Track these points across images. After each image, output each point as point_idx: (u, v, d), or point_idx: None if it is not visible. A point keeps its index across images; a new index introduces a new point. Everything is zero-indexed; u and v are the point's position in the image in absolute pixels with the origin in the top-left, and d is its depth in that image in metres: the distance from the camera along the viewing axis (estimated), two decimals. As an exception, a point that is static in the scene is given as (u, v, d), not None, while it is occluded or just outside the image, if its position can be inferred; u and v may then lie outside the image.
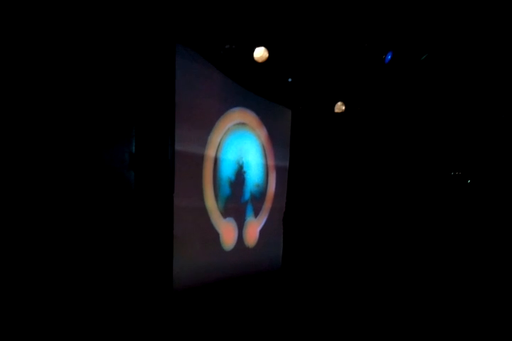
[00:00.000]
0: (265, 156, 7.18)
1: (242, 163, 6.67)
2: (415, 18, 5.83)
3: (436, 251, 7.31)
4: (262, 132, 7.07)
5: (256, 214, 7.02)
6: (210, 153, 5.96)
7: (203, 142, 5.84)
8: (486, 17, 5.54)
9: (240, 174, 6.63)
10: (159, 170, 5.01)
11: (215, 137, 6.05)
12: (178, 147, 5.26)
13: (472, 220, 7.11)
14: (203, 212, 5.90)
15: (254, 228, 6.99)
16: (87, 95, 4.21)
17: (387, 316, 5.94)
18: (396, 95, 6.83)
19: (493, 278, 6.66)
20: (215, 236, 6.13)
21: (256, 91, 6.64)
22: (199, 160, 5.76)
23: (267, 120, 7.11)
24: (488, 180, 6.94)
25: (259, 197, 7.09)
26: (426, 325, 5.65)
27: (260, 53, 5.96)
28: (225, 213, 6.30)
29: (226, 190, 6.34)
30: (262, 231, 7.12)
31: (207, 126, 5.91)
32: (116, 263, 4.54)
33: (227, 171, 6.34)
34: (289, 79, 6.65)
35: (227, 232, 6.37)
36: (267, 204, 7.26)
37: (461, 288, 6.72)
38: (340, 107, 6.98)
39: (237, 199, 6.61)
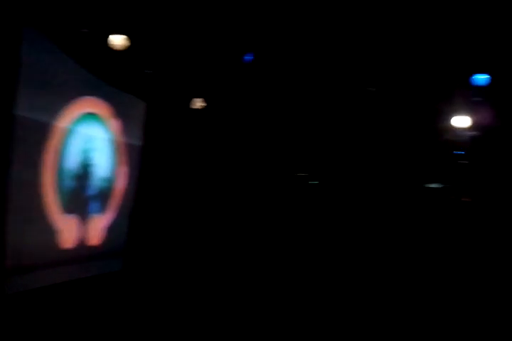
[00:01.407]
0: (116, 149, 6.82)
1: (90, 155, 6.24)
2: (276, 19, 6.03)
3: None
4: (114, 124, 6.69)
5: (102, 210, 6.60)
6: (54, 143, 5.45)
7: (47, 131, 5.33)
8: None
9: (85, 167, 6.20)
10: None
11: (61, 126, 5.55)
12: (19, 134, 4.71)
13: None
14: (40, 206, 5.37)
15: (99, 225, 6.57)
16: None
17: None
18: (254, 95, 6.98)
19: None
20: (53, 233, 5.62)
21: (110, 80, 6.28)
22: (40, 149, 5.24)
23: (121, 111, 6.73)
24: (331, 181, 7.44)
25: (106, 193, 6.69)
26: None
27: (120, 41, 5.70)
28: (67, 208, 5.80)
29: (69, 183, 5.85)
30: (107, 229, 6.73)
31: (53, 114, 5.39)
32: None
33: (71, 163, 5.85)
34: (147, 71, 6.43)
35: (67, 229, 5.88)
36: (115, 201, 6.88)
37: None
38: (197, 103, 6.94)
39: (81, 194, 6.14)
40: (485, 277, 6.65)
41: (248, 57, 6.11)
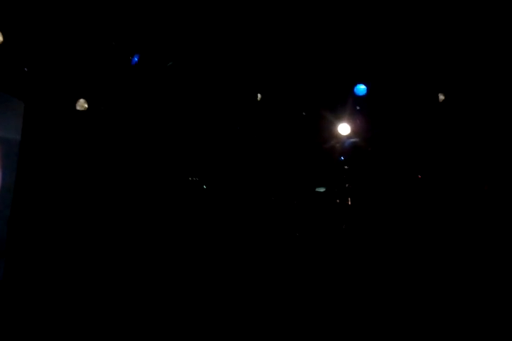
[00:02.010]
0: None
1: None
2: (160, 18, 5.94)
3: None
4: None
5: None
6: None
7: None
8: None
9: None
10: None
11: None
12: None
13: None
14: None
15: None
16: None
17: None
18: (141, 97, 6.82)
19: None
20: None
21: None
22: None
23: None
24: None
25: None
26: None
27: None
28: None
29: None
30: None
31: None
32: None
33: None
34: (25, 69, 6.05)
35: None
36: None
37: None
38: (82, 105, 6.64)
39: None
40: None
41: (135, 59, 5.96)
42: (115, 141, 6.94)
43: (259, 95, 6.73)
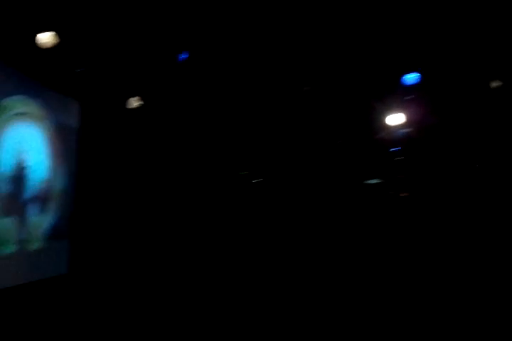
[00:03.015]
0: (51, 150, 6.64)
1: (24, 157, 6.06)
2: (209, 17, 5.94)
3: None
4: (47, 124, 6.51)
5: (40, 213, 6.44)
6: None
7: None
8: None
9: (20, 169, 6.03)
10: None
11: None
12: None
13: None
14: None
15: (37, 228, 6.43)
16: None
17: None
18: (189, 93, 6.90)
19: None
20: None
21: (41, 79, 6.09)
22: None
23: (53, 111, 6.57)
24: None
25: (43, 195, 6.52)
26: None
27: (47, 38, 5.50)
28: (3, 212, 5.66)
29: (3, 187, 5.70)
30: (46, 233, 6.58)
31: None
32: None
33: (4, 166, 5.69)
34: (78, 70, 6.25)
35: (4, 234, 5.74)
36: (53, 203, 6.73)
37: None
38: (133, 102, 6.81)
39: (17, 197, 5.98)
40: (427, 275, 6.83)
41: (183, 56, 6.02)
42: (167, 135, 7.07)
43: (306, 87, 6.63)
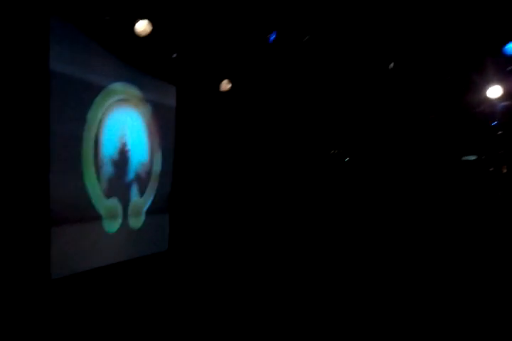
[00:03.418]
0: (150, 134, 6.97)
1: (126, 141, 6.41)
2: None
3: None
4: (146, 109, 6.84)
5: (141, 194, 6.81)
6: (90, 131, 5.66)
7: (82, 120, 5.51)
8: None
9: (123, 153, 6.39)
10: (32, 150, 4.65)
11: (95, 114, 5.74)
12: (53, 125, 4.90)
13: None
14: (83, 193, 5.61)
15: (139, 208, 6.80)
16: None
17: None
18: (281, 75, 6.93)
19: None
20: (96, 217, 5.86)
21: (138, 66, 6.38)
22: (77, 139, 5.44)
23: (151, 96, 6.87)
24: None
25: (144, 177, 6.88)
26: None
27: (143, 27, 5.74)
28: (108, 193, 6.05)
29: (109, 169, 6.08)
30: (147, 212, 6.95)
31: (86, 102, 5.58)
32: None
33: (109, 150, 6.07)
34: (174, 55, 6.47)
35: (110, 213, 6.13)
36: (153, 184, 7.08)
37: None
38: (225, 85, 6.95)
39: (120, 179, 6.36)
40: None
41: (272, 37, 6.04)
42: (261, 121, 7.15)
43: (391, 64, 6.40)
